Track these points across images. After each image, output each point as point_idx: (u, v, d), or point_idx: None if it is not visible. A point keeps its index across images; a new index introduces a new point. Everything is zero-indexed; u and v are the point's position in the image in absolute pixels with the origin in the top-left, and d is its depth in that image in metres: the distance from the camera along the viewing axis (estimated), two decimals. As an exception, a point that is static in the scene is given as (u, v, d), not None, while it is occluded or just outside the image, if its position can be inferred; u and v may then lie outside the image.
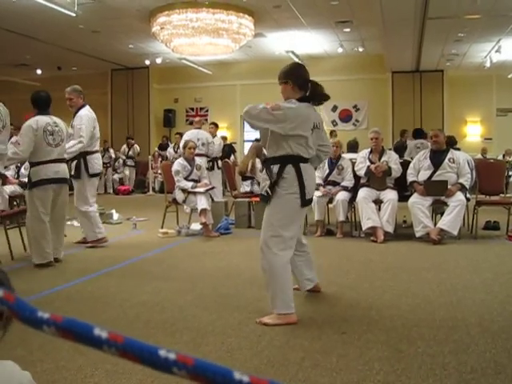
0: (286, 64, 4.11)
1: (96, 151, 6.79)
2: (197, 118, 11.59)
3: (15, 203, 8.35)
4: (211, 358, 2.94)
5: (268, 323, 3.56)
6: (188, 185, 7.74)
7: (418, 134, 11.58)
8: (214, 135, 11.04)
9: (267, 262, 3.70)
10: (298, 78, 3.86)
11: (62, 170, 5.73)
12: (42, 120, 5.54)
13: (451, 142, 8.92)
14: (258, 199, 8.53)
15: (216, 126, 11.63)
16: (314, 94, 3.89)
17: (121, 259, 5.92)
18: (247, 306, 4.01)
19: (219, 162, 10.60)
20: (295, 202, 3.72)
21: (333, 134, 13.94)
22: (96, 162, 6.72)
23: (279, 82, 3.90)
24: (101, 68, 18.27)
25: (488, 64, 14.48)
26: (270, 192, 3.73)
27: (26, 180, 6.43)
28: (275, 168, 3.74)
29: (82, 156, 6.49)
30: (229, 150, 14.39)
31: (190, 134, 10.10)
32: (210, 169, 10.65)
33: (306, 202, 3.80)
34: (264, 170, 3.86)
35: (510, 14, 10.41)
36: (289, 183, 3.71)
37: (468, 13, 10.42)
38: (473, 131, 17.12)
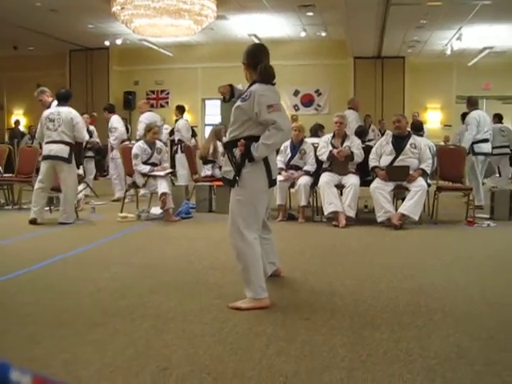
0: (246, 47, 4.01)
1: None
2: (143, 101, 11.47)
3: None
4: (173, 346, 2.86)
5: (241, 307, 3.50)
6: (146, 168, 7.59)
7: (500, 118, 11.19)
8: (178, 118, 10.95)
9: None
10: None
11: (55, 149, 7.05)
12: (47, 111, 7.23)
13: (417, 127, 8.95)
14: (219, 183, 8.46)
15: (178, 109, 11.32)
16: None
17: (78, 244, 5.75)
18: (209, 291, 3.93)
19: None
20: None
21: (292, 117, 13.94)
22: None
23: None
24: (59, 48, 17.73)
25: (449, 51, 14.62)
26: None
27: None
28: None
29: None
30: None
31: (149, 117, 9.96)
32: (175, 152, 10.55)
33: (272, 182, 3.78)
34: (226, 154, 3.79)
35: (472, 2, 10.50)
36: (255, 164, 3.65)
37: (430, 0, 10.47)
38: (433, 118, 17.36)
